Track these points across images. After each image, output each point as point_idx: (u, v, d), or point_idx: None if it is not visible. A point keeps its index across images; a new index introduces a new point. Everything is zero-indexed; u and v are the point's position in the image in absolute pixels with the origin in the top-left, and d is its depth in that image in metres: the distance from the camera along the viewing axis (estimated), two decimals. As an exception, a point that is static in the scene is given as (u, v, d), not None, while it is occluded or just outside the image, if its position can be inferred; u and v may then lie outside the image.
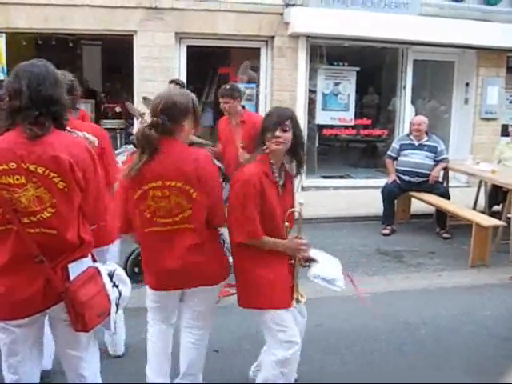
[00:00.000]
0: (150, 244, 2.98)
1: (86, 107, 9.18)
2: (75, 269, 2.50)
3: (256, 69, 9.73)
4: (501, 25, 9.75)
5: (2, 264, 2.43)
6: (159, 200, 2.85)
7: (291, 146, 3.15)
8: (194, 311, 3.22)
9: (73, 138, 2.58)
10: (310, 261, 3.33)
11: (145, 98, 6.96)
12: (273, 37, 9.34)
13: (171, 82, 7.23)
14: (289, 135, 3.11)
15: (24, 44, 10.12)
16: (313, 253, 3.34)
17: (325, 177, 10.25)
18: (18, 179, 2.36)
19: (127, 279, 2.72)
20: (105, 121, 10.29)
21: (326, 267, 3.35)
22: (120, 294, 2.63)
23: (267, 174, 3.11)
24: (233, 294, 5.01)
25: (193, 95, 3.03)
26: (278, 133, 3.07)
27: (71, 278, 2.48)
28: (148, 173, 2.83)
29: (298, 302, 3.27)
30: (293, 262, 3.25)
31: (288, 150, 3.16)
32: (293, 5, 9.12)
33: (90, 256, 2.62)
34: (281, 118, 3.11)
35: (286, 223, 3.16)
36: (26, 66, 2.47)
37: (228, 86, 5.74)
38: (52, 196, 2.41)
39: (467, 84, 10.60)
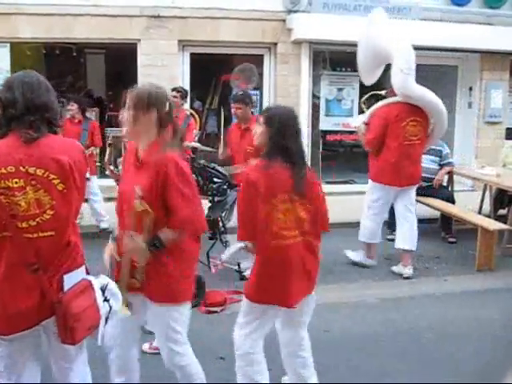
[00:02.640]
0: None
1: (90, 115, 9.21)
2: (69, 280, 2.50)
3: (259, 75, 9.75)
4: (504, 28, 9.74)
5: None
6: None
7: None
8: None
9: (66, 139, 2.63)
10: None
11: None
12: (276, 43, 9.36)
13: (173, 89, 7.25)
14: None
15: (28, 53, 10.17)
16: None
17: (329, 182, 10.23)
18: (16, 182, 2.38)
19: (119, 293, 2.71)
20: (109, 129, 10.29)
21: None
22: (110, 308, 2.62)
23: None
24: (239, 300, 5.02)
25: None
26: None
27: (65, 288, 2.48)
28: None
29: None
30: None
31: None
32: (295, 11, 9.15)
33: (83, 267, 2.62)
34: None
35: None
36: (18, 76, 2.54)
37: (241, 92, 5.84)
38: (51, 198, 2.43)
39: (471, 88, 10.59)
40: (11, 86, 2.48)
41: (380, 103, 6.09)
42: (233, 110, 5.80)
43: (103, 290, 2.60)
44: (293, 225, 3.17)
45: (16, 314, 2.42)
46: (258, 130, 3.26)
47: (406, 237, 6.07)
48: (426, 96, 5.83)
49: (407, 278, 5.97)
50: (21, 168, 2.38)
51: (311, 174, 3.32)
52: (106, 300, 2.60)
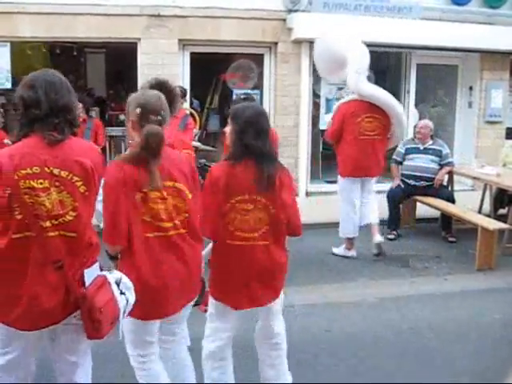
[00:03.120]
0: (152, 251, 2.80)
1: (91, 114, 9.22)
2: (90, 274, 2.53)
3: (259, 74, 9.75)
4: (504, 28, 9.73)
5: (21, 275, 2.40)
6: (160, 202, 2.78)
7: None
8: None
9: (87, 142, 2.65)
10: None
11: None
12: (276, 43, 9.34)
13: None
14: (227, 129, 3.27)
15: (29, 53, 10.17)
16: None
17: (329, 182, 10.23)
18: (41, 183, 2.38)
19: (132, 287, 2.73)
20: (110, 128, 10.31)
21: None
22: (127, 301, 2.64)
23: None
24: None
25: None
26: None
27: (86, 283, 2.51)
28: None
29: None
30: None
31: None
32: (296, 11, 9.13)
33: (98, 263, 2.64)
34: None
35: None
36: (40, 75, 2.51)
37: (243, 96, 5.78)
38: (74, 200, 2.44)
39: (471, 88, 10.59)
40: (33, 85, 2.45)
41: (342, 100, 6.86)
42: None
43: (117, 283, 2.62)
44: (251, 227, 3.09)
45: (42, 311, 2.43)
46: (228, 128, 3.25)
47: (367, 212, 6.59)
48: (377, 95, 6.33)
49: (379, 244, 6.53)
50: (46, 169, 2.39)
51: (284, 175, 3.18)
52: (122, 293, 2.62)
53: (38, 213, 2.38)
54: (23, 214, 2.36)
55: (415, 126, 7.92)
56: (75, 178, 2.43)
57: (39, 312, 2.42)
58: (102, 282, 2.55)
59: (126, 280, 2.68)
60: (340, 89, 10.00)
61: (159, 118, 2.81)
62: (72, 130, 2.53)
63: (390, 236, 7.40)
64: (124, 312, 2.62)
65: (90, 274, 2.54)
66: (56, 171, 2.40)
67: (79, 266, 2.50)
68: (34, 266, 2.40)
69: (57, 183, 2.40)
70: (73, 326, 2.52)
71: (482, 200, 8.02)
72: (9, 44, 8.52)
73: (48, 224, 2.40)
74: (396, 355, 4.21)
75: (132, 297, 2.69)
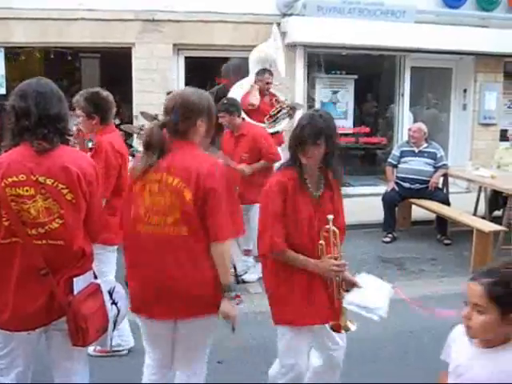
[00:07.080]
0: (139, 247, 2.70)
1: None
2: (80, 283, 2.54)
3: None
4: (497, 30, 9.77)
5: (8, 279, 2.45)
6: (155, 195, 2.63)
7: (323, 157, 3.02)
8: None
9: (79, 152, 2.66)
10: (353, 285, 3.06)
11: (142, 113, 6.99)
12: (270, 47, 9.34)
13: (168, 93, 7.25)
14: (320, 150, 2.95)
15: (23, 58, 10.15)
16: (360, 277, 3.13)
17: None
18: (27, 190, 2.42)
19: (126, 296, 2.73)
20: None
21: (367, 294, 3.02)
22: (118, 311, 2.64)
23: (297, 183, 2.98)
24: (237, 304, 5.02)
25: (209, 96, 2.88)
26: (307, 148, 2.93)
27: (75, 291, 2.51)
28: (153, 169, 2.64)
29: (347, 330, 3.01)
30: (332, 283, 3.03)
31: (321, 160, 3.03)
32: (290, 14, 9.15)
33: (92, 271, 2.65)
34: (312, 132, 2.91)
35: (321, 241, 3.02)
36: (32, 85, 2.53)
37: (225, 101, 5.78)
38: (60, 207, 2.46)
39: (465, 90, 10.62)
40: (24, 96, 2.49)
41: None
42: (219, 120, 5.65)
43: (111, 293, 2.63)
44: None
45: (26, 314, 2.47)
46: (317, 150, 2.96)
47: None
48: None
49: None
50: (31, 177, 2.42)
51: None
52: (114, 303, 2.63)
53: (24, 220, 2.42)
54: (10, 220, 2.41)
55: (409, 129, 7.95)
56: (60, 186, 2.46)
57: (23, 315, 2.46)
58: (92, 291, 2.57)
59: (119, 289, 2.70)
60: (335, 92, 10.06)
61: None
62: (63, 139, 2.55)
63: (385, 239, 7.41)
64: (115, 322, 2.62)
65: (81, 281, 2.55)
66: (41, 179, 2.43)
67: (67, 273, 2.52)
68: (19, 271, 2.44)
69: (42, 191, 2.43)
70: (65, 331, 2.53)
71: (477, 202, 8.05)
72: (3, 49, 8.51)
73: (34, 232, 2.43)
74: (391, 358, 4.21)
75: (124, 307, 2.70)
